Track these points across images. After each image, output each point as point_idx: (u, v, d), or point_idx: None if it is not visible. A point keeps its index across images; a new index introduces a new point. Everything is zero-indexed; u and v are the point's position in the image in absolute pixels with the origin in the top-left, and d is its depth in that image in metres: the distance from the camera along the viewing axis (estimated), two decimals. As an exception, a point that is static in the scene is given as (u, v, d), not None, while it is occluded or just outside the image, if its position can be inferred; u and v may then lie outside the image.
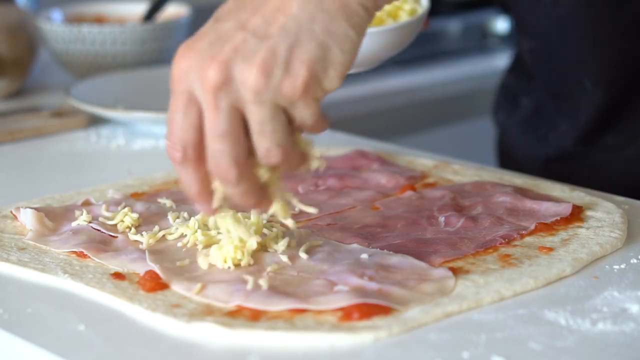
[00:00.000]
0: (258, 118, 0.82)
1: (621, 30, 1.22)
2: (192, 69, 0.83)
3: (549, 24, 1.26)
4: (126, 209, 1.01)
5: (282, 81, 0.81)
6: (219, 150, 0.82)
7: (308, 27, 0.82)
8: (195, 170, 0.84)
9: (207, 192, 0.85)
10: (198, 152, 0.83)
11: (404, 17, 1.08)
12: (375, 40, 1.04)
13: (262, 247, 0.93)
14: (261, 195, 0.86)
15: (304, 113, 0.83)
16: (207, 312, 0.84)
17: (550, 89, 1.33)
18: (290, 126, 0.84)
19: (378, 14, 1.06)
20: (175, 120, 0.83)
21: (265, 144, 0.83)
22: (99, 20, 1.71)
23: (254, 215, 0.94)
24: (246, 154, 0.84)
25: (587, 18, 1.22)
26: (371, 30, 1.03)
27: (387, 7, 1.08)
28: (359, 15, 0.83)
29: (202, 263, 0.90)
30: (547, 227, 0.99)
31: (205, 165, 0.84)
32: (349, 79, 1.78)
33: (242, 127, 0.83)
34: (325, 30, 0.82)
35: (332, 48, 0.82)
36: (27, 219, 1.01)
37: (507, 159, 1.42)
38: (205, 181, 0.85)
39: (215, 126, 0.82)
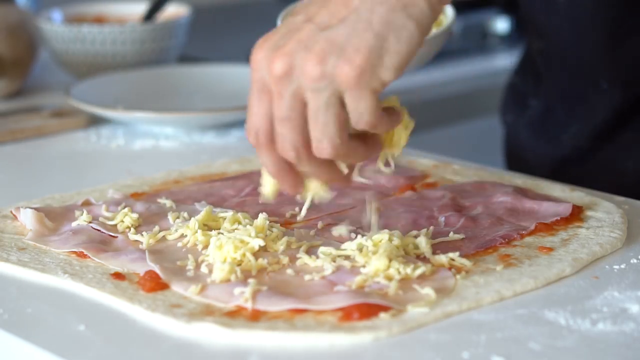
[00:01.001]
0: (313, 106, 0.85)
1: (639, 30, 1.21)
2: (263, 60, 0.86)
3: (563, 25, 1.25)
4: (126, 209, 1.01)
5: (337, 67, 0.84)
6: (282, 134, 0.86)
7: (366, 18, 0.84)
8: (269, 154, 0.88)
9: (284, 171, 0.88)
10: (270, 137, 0.87)
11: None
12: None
13: (262, 247, 0.93)
14: (333, 174, 0.89)
15: (359, 105, 0.85)
16: (207, 312, 0.84)
17: (561, 90, 1.32)
18: (346, 122, 0.86)
19: None
20: (251, 107, 0.88)
21: (316, 134, 0.85)
22: (99, 20, 1.71)
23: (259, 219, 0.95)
24: (305, 140, 0.86)
25: (604, 19, 1.21)
26: None
27: None
28: (420, 7, 0.85)
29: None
30: (547, 227, 0.99)
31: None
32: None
33: (303, 115, 0.86)
34: (382, 21, 0.84)
35: (389, 37, 0.84)
36: (27, 219, 1.01)
37: (516, 160, 1.41)
38: (280, 162, 0.88)
39: (278, 111, 0.86)
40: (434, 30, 1.09)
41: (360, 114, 0.85)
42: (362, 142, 0.88)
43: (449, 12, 1.12)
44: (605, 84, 1.24)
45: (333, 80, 0.84)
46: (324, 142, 0.85)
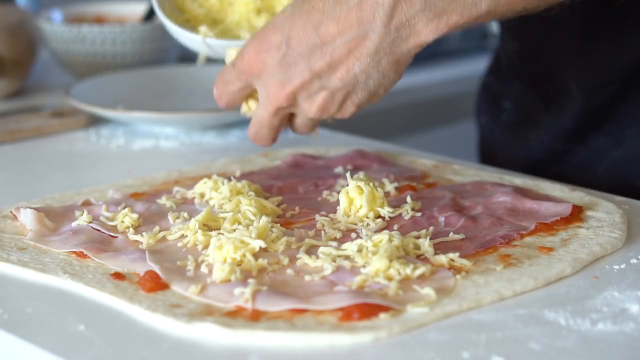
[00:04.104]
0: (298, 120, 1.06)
1: (609, 35, 1.21)
2: (260, 77, 1.02)
3: (536, 26, 1.26)
4: (126, 209, 1.01)
5: (333, 113, 1.03)
6: (258, 132, 1.07)
7: (364, 82, 1.00)
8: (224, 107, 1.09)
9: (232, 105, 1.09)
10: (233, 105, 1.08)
11: None
12: None
13: (262, 248, 0.93)
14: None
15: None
16: (207, 312, 0.84)
17: (534, 89, 1.32)
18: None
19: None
20: (229, 84, 1.05)
21: (253, 130, 1.08)
22: (99, 20, 1.71)
23: (261, 220, 0.95)
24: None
25: (577, 23, 1.22)
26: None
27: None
28: (407, 63, 0.99)
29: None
30: (547, 227, 0.99)
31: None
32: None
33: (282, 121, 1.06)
34: (377, 84, 1.00)
35: (379, 92, 1.01)
36: (27, 219, 1.01)
37: (490, 161, 1.41)
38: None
39: (266, 122, 1.05)
40: None
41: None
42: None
43: None
44: (574, 87, 1.25)
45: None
46: (258, 136, 1.08)
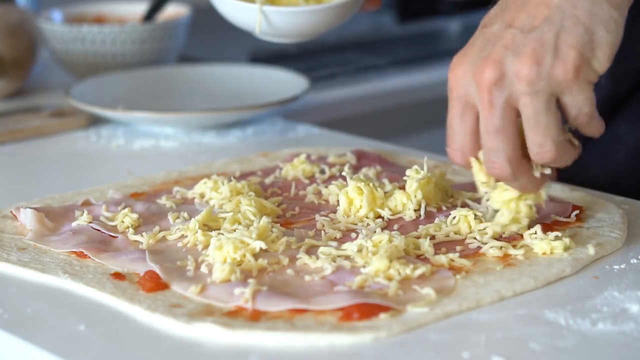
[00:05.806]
0: (532, 110, 0.86)
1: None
2: (466, 73, 0.87)
3: None
4: (126, 209, 1.01)
5: (554, 67, 0.85)
6: (493, 148, 0.87)
7: (571, 13, 0.85)
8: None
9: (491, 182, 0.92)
10: (475, 154, 0.89)
11: None
12: (314, 18, 1.10)
13: (263, 248, 0.93)
14: (537, 186, 0.91)
15: (579, 98, 0.87)
16: (207, 312, 0.84)
17: None
18: (562, 121, 0.87)
19: None
20: (454, 126, 0.89)
21: (539, 138, 0.86)
22: (99, 20, 1.71)
23: (261, 221, 0.95)
24: (519, 151, 0.87)
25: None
26: (310, 8, 1.09)
27: None
28: None
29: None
30: (547, 227, 0.98)
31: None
32: (347, 79, 1.77)
33: (516, 125, 0.87)
34: (588, 14, 0.85)
35: (597, 30, 0.85)
36: (27, 219, 1.01)
37: None
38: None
39: (490, 123, 0.86)
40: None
41: (580, 107, 0.87)
42: (568, 143, 0.90)
43: None
44: (603, 76, 1.24)
45: (550, 79, 0.85)
46: (546, 145, 0.87)
